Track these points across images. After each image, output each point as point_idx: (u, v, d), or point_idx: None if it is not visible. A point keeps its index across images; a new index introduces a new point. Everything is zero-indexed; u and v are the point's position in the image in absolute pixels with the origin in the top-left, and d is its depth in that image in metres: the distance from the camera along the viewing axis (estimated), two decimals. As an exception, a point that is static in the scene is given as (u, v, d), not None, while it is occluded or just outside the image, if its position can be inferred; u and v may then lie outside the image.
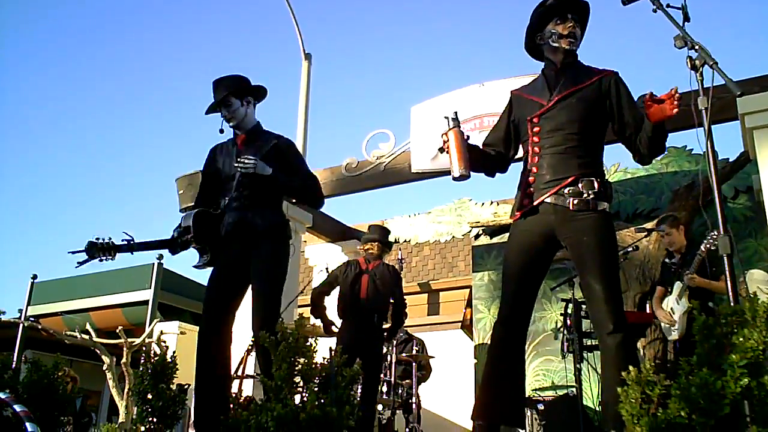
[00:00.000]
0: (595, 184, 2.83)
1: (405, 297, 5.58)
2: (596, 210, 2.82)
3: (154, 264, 9.11)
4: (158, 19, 29.81)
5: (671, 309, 4.91)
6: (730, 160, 6.09)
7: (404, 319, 5.53)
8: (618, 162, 7.32)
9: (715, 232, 4.62)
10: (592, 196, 2.81)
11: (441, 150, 3.00)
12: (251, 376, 5.81)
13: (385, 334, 5.29)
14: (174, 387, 2.84)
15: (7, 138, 29.29)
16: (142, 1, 28.52)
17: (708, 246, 4.53)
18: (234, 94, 3.61)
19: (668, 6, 2.81)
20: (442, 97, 6.65)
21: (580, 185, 2.83)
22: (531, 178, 2.94)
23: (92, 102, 30.81)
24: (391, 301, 5.22)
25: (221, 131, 3.69)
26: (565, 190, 2.83)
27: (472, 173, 2.99)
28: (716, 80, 2.66)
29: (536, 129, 2.96)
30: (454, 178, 2.93)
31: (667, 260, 5.15)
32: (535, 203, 2.90)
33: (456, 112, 3.08)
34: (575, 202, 2.81)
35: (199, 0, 28.85)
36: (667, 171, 7.04)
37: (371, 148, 6.94)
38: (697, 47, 2.68)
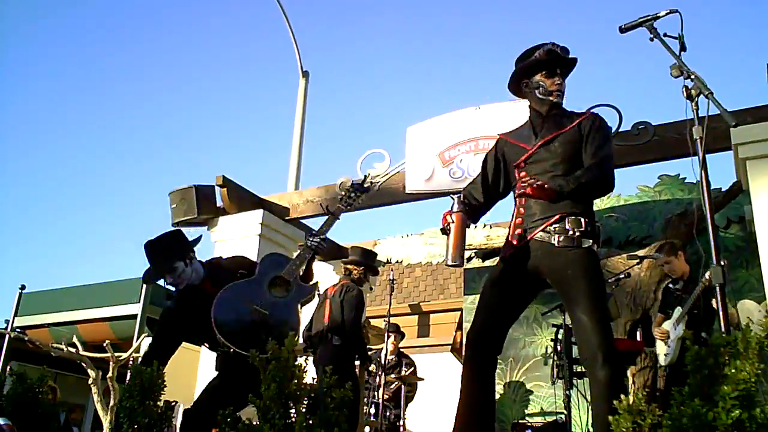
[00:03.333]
0: (582, 223, 2.86)
1: (391, 317, 5.70)
2: (581, 246, 2.83)
3: (144, 278, 9.04)
4: (156, 32, 29.94)
5: (668, 332, 4.91)
6: (723, 190, 6.12)
7: (364, 341, 5.62)
8: (611, 189, 7.34)
9: (724, 262, 4.67)
10: (578, 234, 2.84)
11: (443, 231, 3.02)
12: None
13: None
14: (161, 404, 2.80)
15: (-1, 147, 29.23)
16: (139, 13, 28.64)
17: (704, 283, 4.58)
18: (178, 257, 3.46)
19: (665, 35, 2.84)
20: (438, 119, 6.67)
21: (566, 223, 2.86)
22: (519, 219, 3.00)
23: (84, 114, 30.82)
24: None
25: (168, 297, 3.64)
26: (552, 228, 2.87)
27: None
28: (711, 110, 2.69)
29: (522, 174, 3.02)
30: (447, 264, 3.00)
31: (670, 285, 5.15)
32: (524, 242, 2.94)
33: (463, 195, 3.11)
34: (561, 238, 2.84)
35: (197, 15, 29.00)
36: (660, 199, 7.06)
37: (366, 167, 6.93)
38: (693, 77, 2.70)
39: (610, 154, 3.00)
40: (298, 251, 3.61)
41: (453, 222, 2.96)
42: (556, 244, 2.83)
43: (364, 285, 5.75)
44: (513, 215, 3.07)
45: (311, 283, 3.64)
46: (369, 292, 8.82)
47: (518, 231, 2.97)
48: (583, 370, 5.08)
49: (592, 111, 3.14)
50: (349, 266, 5.70)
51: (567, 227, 2.84)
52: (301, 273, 3.58)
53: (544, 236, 2.87)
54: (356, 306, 5.39)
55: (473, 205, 3.16)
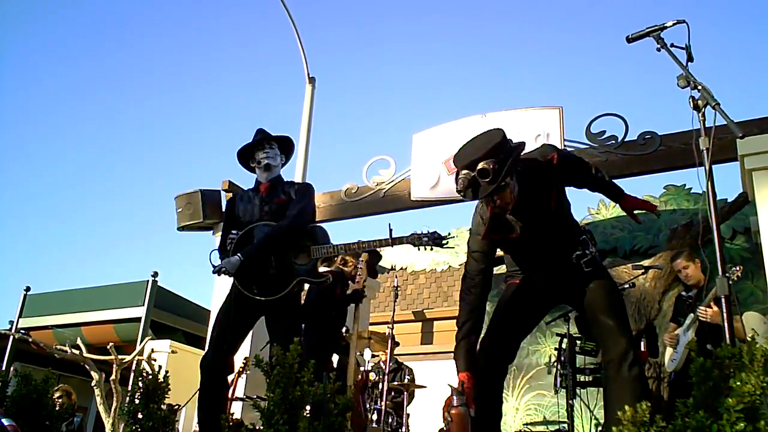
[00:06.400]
0: (588, 242, 3.00)
1: (395, 324, 5.79)
2: (598, 263, 3.01)
3: (148, 281, 9.05)
4: (164, 37, 30.05)
5: (678, 339, 4.88)
6: (728, 201, 6.11)
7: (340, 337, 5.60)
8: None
9: (737, 267, 4.63)
10: (594, 251, 2.98)
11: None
12: (241, 399, 5.76)
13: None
14: (164, 407, 2.81)
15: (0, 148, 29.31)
16: (146, 18, 28.76)
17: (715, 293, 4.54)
18: (278, 143, 3.97)
19: (672, 45, 2.85)
20: (444, 126, 6.68)
21: (579, 250, 2.96)
22: (532, 266, 3.10)
23: (88, 115, 30.90)
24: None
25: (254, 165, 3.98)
26: (573, 257, 2.95)
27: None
28: (717, 120, 2.69)
29: (522, 252, 3.10)
30: None
31: (683, 294, 5.13)
32: (544, 281, 3.07)
33: (463, 383, 2.82)
34: (584, 261, 2.94)
35: (204, 20, 29.12)
36: (665, 209, 7.05)
37: (372, 174, 6.94)
38: (699, 87, 2.70)
39: None
40: (343, 243, 3.74)
41: (451, 421, 2.76)
42: (585, 269, 2.94)
43: (357, 282, 5.59)
44: (522, 263, 3.15)
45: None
46: (374, 298, 8.78)
47: (536, 274, 3.11)
48: (587, 379, 5.07)
49: (543, 155, 2.99)
50: (346, 257, 5.39)
51: (584, 253, 2.95)
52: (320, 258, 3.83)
53: (568, 265, 2.97)
54: (322, 299, 5.23)
55: (480, 318, 3.04)
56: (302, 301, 5.32)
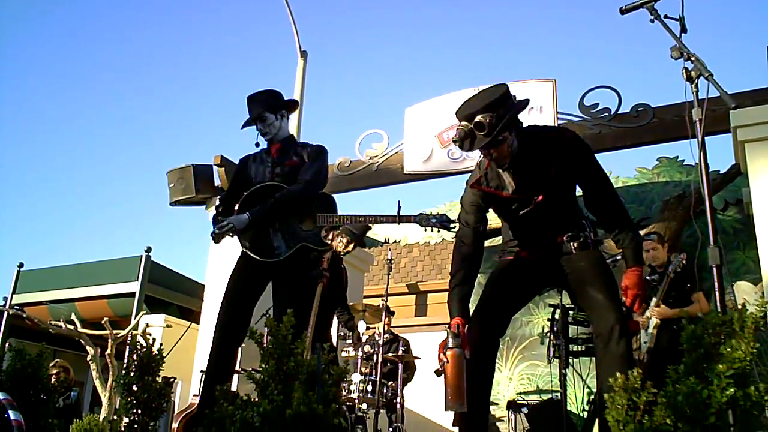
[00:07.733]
0: (587, 226, 2.99)
1: (389, 297, 5.84)
2: (594, 248, 2.99)
3: (141, 256, 9.05)
4: (153, 13, 29.69)
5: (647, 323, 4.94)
6: (721, 172, 6.13)
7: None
8: (609, 171, 7.35)
9: (682, 255, 4.75)
10: (591, 236, 2.98)
11: (437, 373, 2.83)
12: (236, 371, 5.79)
13: None
14: (160, 379, 2.82)
15: (-4, 125, 29.08)
16: (138, -8, 28.38)
17: (674, 269, 4.66)
18: (269, 109, 3.82)
19: (666, 17, 2.83)
20: (437, 100, 6.66)
21: (575, 231, 2.97)
22: (525, 239, 3.06)
23: (85, 94, 30.65)
24: None
25: (257, 144, 3.87)
26: (565, 238, 2.96)
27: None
28: (711, 92, 2.69)
29: (520, 219, 3.03)
30: (446, 410, 2.75)
31: (648, 278, 5.17)
32: (533, 257, 3.04)
33: (458, 326, 2.84)
34: (575, 245, 2.94)
35: (195, -7, 28.74)
36: (658, 181, 7.08)
37: (364, 147, 6.94)
38: (693, 59, 2.69)
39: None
40: (350, 214, 3.69)
41: (447, 362, 2.76)
42: (573, 252, 2.94)
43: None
44: (515, 232, 3.12)
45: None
46: (368, 272, 8.79)
47: (526, 247, 3.06)
48: (579, 349, 5.12)
49: (560, 130, 3.06)
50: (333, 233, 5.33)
51: (575, 234, 2.95)
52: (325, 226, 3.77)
53: (559, 247, 2.97)
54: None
55: (473, 268, 3.05)
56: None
